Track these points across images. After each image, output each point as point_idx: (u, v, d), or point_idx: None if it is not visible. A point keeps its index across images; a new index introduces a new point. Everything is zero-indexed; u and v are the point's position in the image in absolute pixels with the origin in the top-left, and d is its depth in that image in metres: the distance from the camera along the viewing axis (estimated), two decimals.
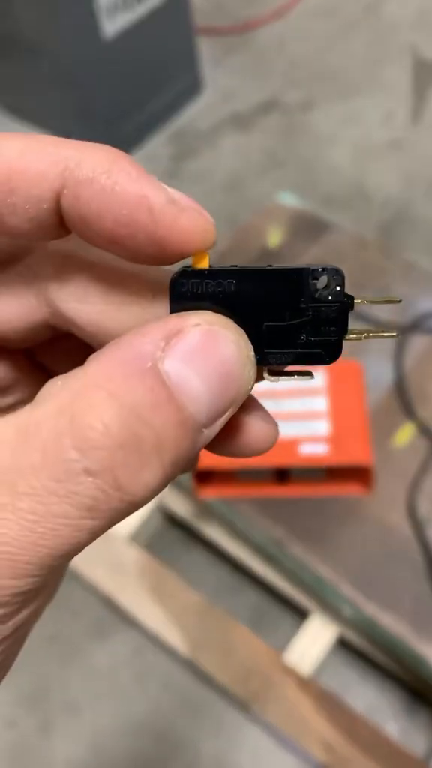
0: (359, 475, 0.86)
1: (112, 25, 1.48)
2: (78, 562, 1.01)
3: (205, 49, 1.85)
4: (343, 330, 0.19)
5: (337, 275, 0.19)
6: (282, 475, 0.88)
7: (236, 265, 0.18)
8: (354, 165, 1.60)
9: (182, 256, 0.18)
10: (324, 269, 0.18)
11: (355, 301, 0.19)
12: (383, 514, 0.87)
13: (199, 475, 0.87)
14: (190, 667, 0.97)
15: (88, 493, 0.15)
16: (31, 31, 1.52)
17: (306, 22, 1.96)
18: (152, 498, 0.16)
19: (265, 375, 0.19)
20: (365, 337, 0.20)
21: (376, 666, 0.96)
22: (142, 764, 0.95)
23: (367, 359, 0.96)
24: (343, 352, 0.19)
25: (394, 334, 0.20)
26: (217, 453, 0.20)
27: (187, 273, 0.18)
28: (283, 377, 0.19)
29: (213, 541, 0.99)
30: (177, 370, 0.16)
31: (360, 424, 0.84)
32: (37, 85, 1.65)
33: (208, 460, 0.84)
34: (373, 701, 0.96)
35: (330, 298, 0.18)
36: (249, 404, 0.19)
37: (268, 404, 0.77)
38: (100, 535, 0.16)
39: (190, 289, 0.18)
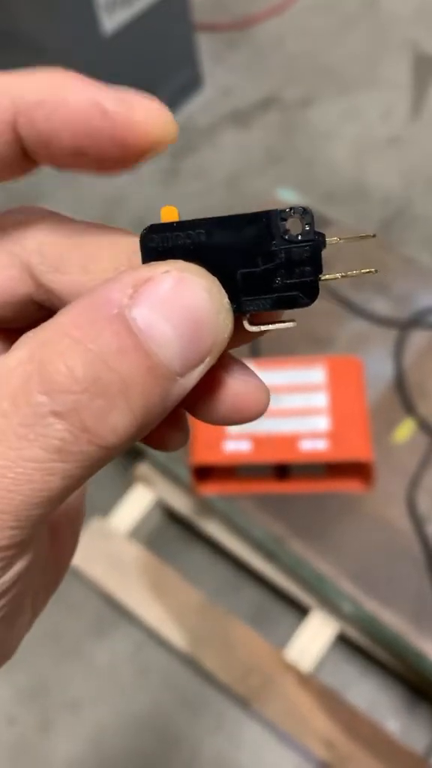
0: (359, 471, 0.86)
1: (111, 20, 1.47)
2: (78, 559, 1.01)
3: (205, 45, 1.85)
4: (318, 269, 0.18)
5: (305, 214, 0.18)
6: (282, 471, 0.88)
7: (206, 217, 0.18)
8: (353, 161, 1.59)
9: (146, 152, 0.18)
10: (292, 209, 0.18)
11: (327, 239, 0.18)
12: (383, 510, 0.86)
13: (198, 471, 0.87)
14: (190, 663, 0.97)
15: (56, 435, 0.15)
16: (30, 26, 1.52)
17: (305, 17, 1.95)
18: (126, 444, 0.16)
19: (246, 325, 0.19)
20: (343, 276, 0.19)
21: (376, 662, 0.96)
22: (143, 761, 0.95)
23: (367, 355, 0.96)
24: (320, 292, 0.18)
25: (374, 270, 0.20)
26: (205, 419, 0.19)
27: (156, 227, 0.18)
28: (264, 326, 0.19)
29: (213, 537, 0.99)
30: (145, 317, 0.16)
31: (360, 420, 0.84)
32: None
33: (208, 455, 0.84)
34: (373, 698, 0.96)
35: (300, 237, 0.18)
36: (236, 367, 0.19)
37: None
38: (75, 481, 0.16)
39: (161, 244, 0.18)
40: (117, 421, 0.15)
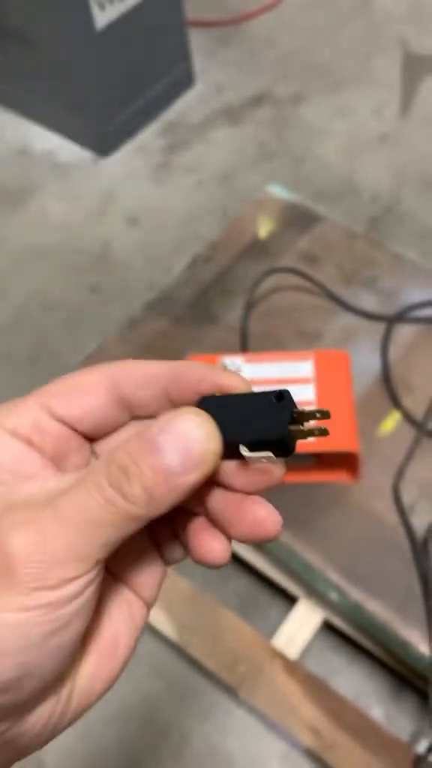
0: (346, 462, 0.87)
1: (103, 16, 1.48)
2: None
3: (197, 41, 1.86)
4: (287, 448, 0.25)
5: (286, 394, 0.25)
6: None
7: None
8: (344, 158, 1.61)
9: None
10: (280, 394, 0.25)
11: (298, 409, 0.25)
12: (370, 500, 0.88)
13: None
14: (179, 652, 0.98)
15: (108, 499, 0.23)
16: (23, 22, 1.52)
17: (297, 14, 1.96)
18: (150, 514, 0.24)
19: (243, 451, 0.26)
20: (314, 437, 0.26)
21: (362, 651, 0.97)
22: (131, 750, 0.96)
23: (355, 349, 0.97)
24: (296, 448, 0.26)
25: (325, 430, 0.26)
26: (235, 539, 0.27)
27: (206, 399, 0.26)
28: (254, 454, 0.25)
29: None
30: (163, 441, 0.23)
31: (347, 412, 0.85)
32: (29, 76, 1.65)
33: None
34: (359, 686, 0.97)
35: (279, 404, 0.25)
36: (253, 499, 0.26)
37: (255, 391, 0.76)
38: (126, 534, 0.23)
39: (203, 406, 0.26)
40: (134, 491, 0.23)
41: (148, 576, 0.29)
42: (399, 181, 1.54)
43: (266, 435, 0.25)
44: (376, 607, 0.83)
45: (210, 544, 0.27)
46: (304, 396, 0.87)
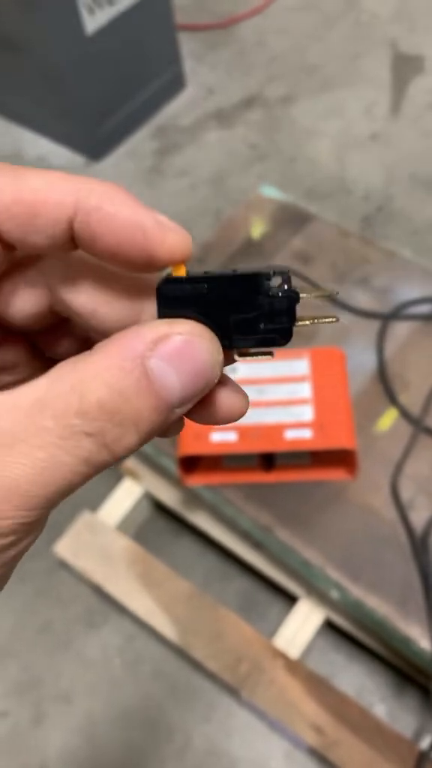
0: (343, 459, 0.87)
1: (93, 20, 1.48)
2: (68, 553, 1.01)
3: (187, 44, 1.86)
4: (292, 319, 0.23)
5: (285, 275, 0.23)
6: (268, 462, 0.89)
7: (208, 272, 0.23)
8: (335, 158, 1.61)
9: (167, 266, 0.23)
10: (275, 272, 0.23)
11: (301, 295, 0.23)
12: (368, 497, 0.88)
13: (185, 462, 0.88)
14: (180, 653, 0.98)
15: (85, 448, 0.20)
16: (12, 27, 1.52)
17: (286, 16, 1.97)
18: (131, 454, 0.21)
19: (236, 356, 0.24)
20: (312, 323, 0.24)
21: (363, 648, 0.97)
22: (135, 751, 0.96)
23: (350, 346, 0.97)
24: (294, 335, 0.24)
25: (335, 319, 0.24)
26: (196, 421, 0.24)
27: (170, 280, 0.23)
28: (249, 357, 0.24)
29: (201, 528, 1.00)
30: (159, 367, 0.21)
31: (343, 409, 0.85)
32: (19, 82, 1.65)
33: (194, 446, 0.85)
34: (361, 683, 0.97)
35: (280, 294, 0.23)
36: (222, 381, 0.24)
37: (252, 392, 0.78)
38: (87, 479, 0.21)
39: (173, 294, 0.23)
40: (129, 441, 0.21)
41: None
42: (390, 180, 1.55)
43: (267, 336, 0.23)
44: (376, 604, 0.83)
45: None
46: (301, 394, 0.87)
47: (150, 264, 0.22)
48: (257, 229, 1.13)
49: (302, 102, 1.74)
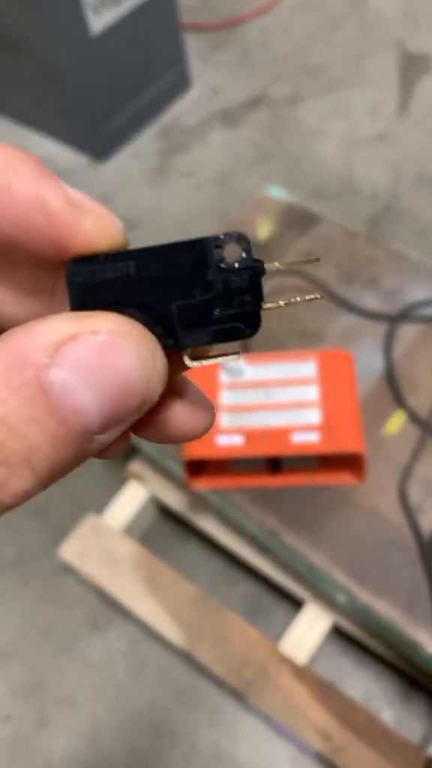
0: (351, 463, 0.87)
1: (98, 21, 1.48)
2: (73, 556, 1.01)
3: (192, 45, 1.85)
4: (258, 297, 0.17)
5: (241, 240, 0.17)
6: (274, 465, 0.89)
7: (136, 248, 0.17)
8: (342, 158, 1.60)
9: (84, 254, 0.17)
10: (226, 235, 0.17)
11: (266, 265, 0.17)
12: (375, 501, 0.87)
13: (191, 466, 0.88)
14: (186, 658, 0.97)
15: None
16: (17, 27, 1.52)
17: (291, 16, 1.96)
18: (29, 498, 0.15)
19: (186, 360, 0.17)
20: (286, 304, 0.18)
21: (371, 653, 0.96)
22: (139, 756, 0.96)
23: (358, 349, 0.97)
24: (263, 321, 0.17)
25: (317, 296, 0.19)
26: (144, 438, 0.19)
27: (81, 261, 0.17)
28: (206, 360, 0.17)
29: (207, 532, 0.99)
30: (63, 381, 0.14)
31: (351, 413, 0.85)
32: (25, 83, 1.64)
33: (200, 450, 0.84)
34: (368, 688, 0.97)
35: (237, 265, 0.17)
36: (175, 391, 0.18)
37: (259, 395, 0.76)
38: None
39: (88, 279, 0.17)
40: (18, 486, 0.15)
41: None
42: (397, 179, 1.54)
43: (225, 326, 0.17)
44: (383, 608, 0.82)
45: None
46: (308, 397, 0.86)
47: (61, 256, 0.17)
48: (263, 229, 1.13)
49: (308, 102, 1.74)
